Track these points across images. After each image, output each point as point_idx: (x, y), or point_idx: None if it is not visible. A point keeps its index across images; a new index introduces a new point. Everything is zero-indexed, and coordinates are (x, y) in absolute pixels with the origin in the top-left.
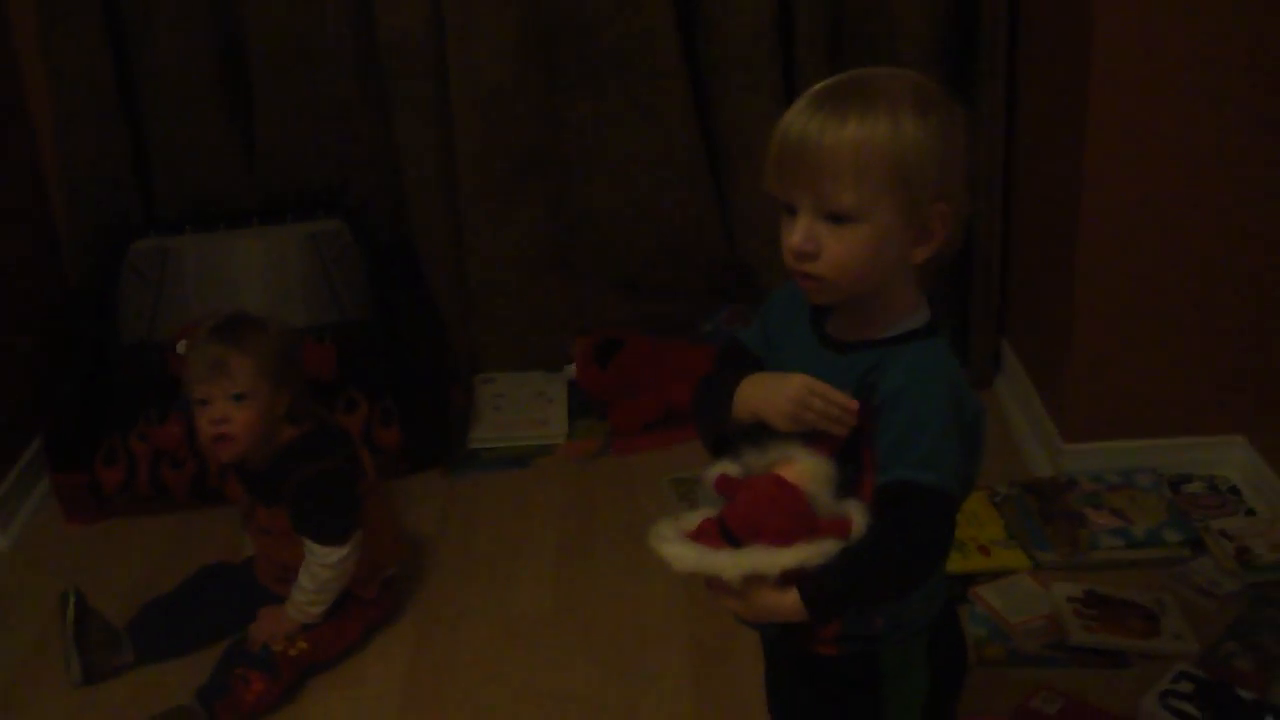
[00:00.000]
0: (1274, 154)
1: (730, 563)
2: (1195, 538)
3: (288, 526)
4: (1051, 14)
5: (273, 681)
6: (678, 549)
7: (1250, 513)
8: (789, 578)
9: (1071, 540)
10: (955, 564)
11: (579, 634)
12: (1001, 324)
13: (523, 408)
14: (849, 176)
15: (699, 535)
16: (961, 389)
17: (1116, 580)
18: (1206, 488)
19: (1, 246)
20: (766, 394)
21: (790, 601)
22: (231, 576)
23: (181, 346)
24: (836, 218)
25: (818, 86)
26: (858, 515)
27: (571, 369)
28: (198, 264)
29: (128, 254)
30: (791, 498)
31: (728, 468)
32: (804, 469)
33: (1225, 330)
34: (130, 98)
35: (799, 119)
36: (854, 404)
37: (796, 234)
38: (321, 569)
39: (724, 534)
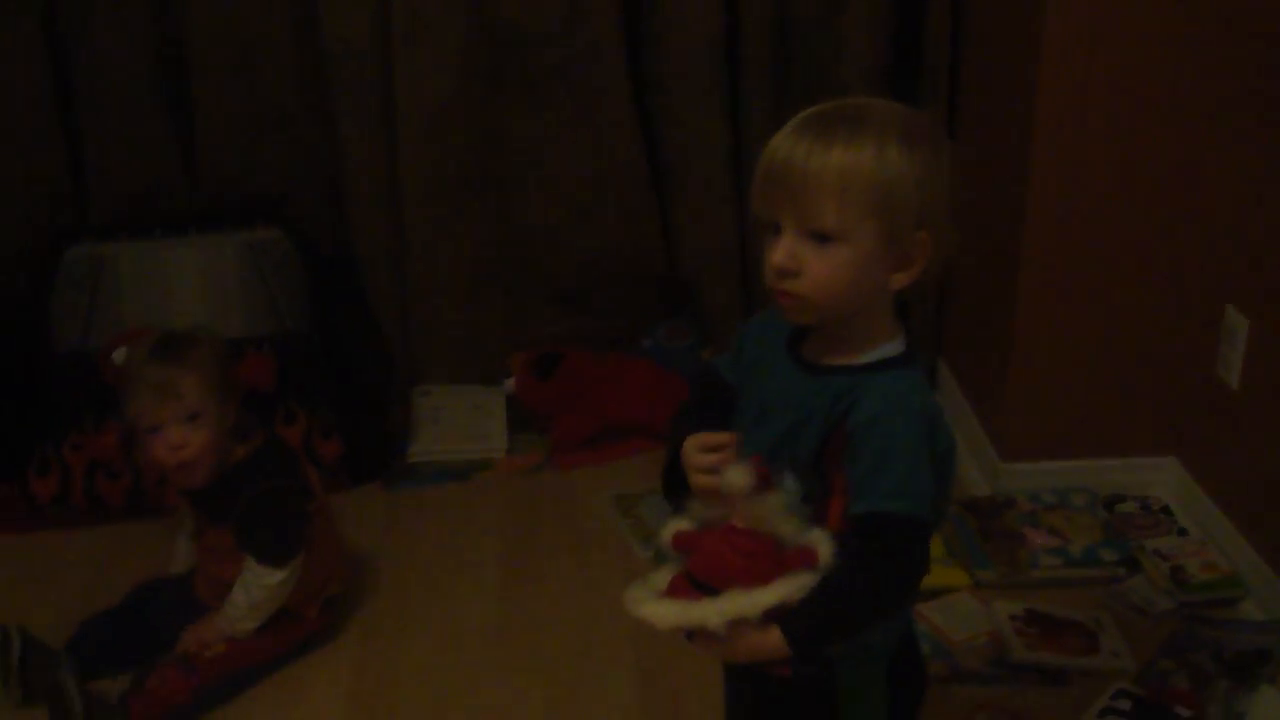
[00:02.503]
0: (1215, 182)
1: (714, 611)
2: (1130, 557)
3: (233, 544)
4: (996, 35)
5: (186, 679)
6: (657, 608)
7: (1182, 532)
8: (769, 616)
9: (1011, 559)
10: None
11: (525, 649)
12: (938, 342)
13: (462, 421)
14: (832, 198)
15: (673, 592)
16: (935, 420)
17: (1054, 598)
18: (1140, 508)
19: None
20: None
21: (773, 640)
22: (171, 592)
23: (118, 355)
24: (819, 237)
25: (807, 112)
26: (823, 545)
27: (510, 383)
28: (133, 272)
29: (61, 261)
30: (751, 538)
31: (681, 524)
32: (756, 506)
33: (1160, 354)
34: (66, 101)
35: (786, 142)
36: (725, 437)
37: (779, 252)
38: (257, 588)
39: (696, 586)
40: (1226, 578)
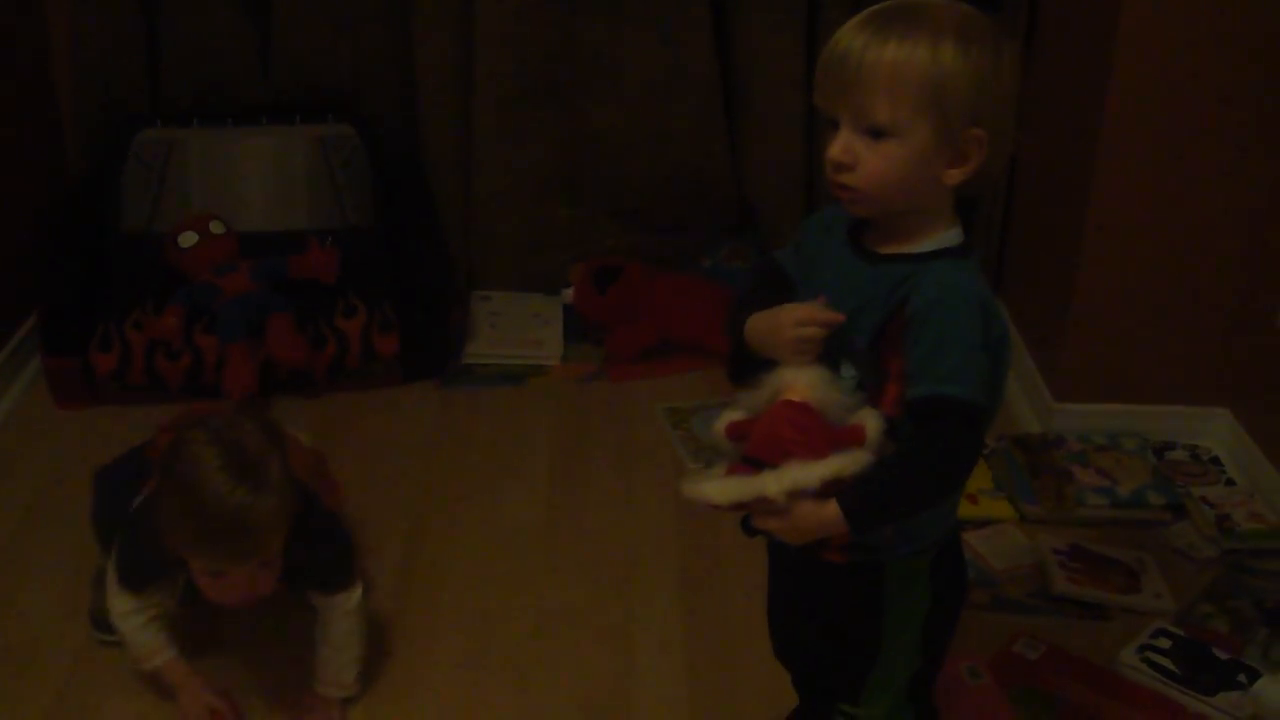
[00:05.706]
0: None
1: (772, 480)
2: (1177, 502)
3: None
4: None
5: None
6: (716, 484)
7: (1230, 483)
8: (826, 491)
9: (1058, 495)
10: None
11: (570, 550)
12: (998, 280)
13: (519, 327)
14: (883, 93)
15: (730, 473)
16: (989, 307)
17: (1099, 537)
18: (1189, 456)
19: (5, 129)
20: (767, 335)
21: (831, 513)
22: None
23: (184, 239)
24: (874, 133)
25: (872, 8)
26: (871, 421)
27: (569, 293)
28: (203, 158)
29: (132, 143)
30: (803, 413)
31: (733, 415)
32: (804, 385)
33: (1217, 306)
34: None
35: (845, 36)
36: (840, 316)
37: (835, 146)
38: (352, 615)
39: (753, 466)
40: (1273, 529)
